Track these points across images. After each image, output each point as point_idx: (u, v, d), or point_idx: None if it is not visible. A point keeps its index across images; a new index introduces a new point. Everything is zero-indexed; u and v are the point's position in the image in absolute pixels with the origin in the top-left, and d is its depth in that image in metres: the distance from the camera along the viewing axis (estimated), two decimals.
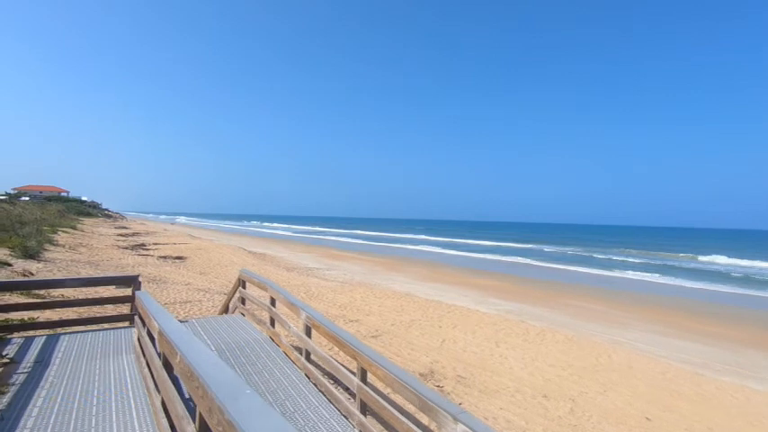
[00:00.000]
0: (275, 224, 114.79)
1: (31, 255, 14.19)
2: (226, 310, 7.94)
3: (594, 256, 42.52)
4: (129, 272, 13.95)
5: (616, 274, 28.03)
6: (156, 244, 28.34)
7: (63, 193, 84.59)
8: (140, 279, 6.42)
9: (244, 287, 7.12)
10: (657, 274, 27.91)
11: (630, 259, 39.51)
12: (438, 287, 18.63)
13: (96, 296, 8.28)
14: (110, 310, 8.15)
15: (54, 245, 19.76)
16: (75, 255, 17.85)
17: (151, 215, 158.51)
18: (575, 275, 26.58)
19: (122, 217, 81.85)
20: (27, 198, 60.83)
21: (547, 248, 52.00)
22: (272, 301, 5.90)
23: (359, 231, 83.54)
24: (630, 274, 27.44)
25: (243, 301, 7.16)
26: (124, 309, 8.14)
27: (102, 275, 6.81)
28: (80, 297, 8.05)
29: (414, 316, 11.74)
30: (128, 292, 6.76)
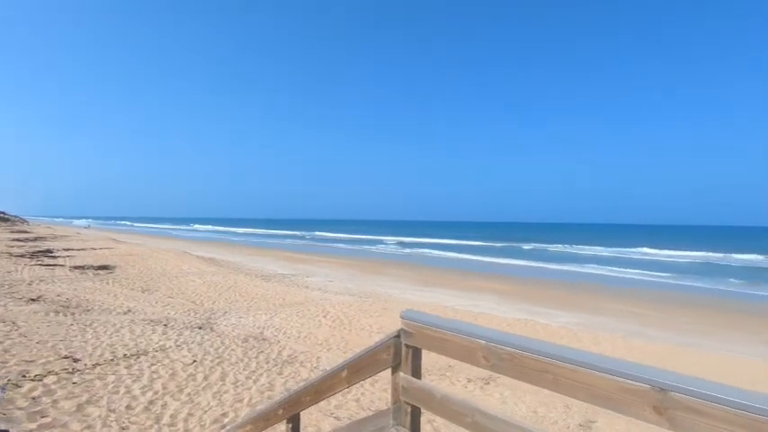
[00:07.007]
0: (177, 226, 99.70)
1: None
2: None
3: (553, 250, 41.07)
4: None
5: (590, 269, 26.15)
6: (67, 250, 20.49)
7: None
8: None
9: (416, 372, 1.80)
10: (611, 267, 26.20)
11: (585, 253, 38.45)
12: (464, 295, 14.14)
13: None
14: None
15: None
16: None
17: (61, 219, 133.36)
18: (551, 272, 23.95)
19: (23, 221, 66.38)
20: None
21: (499, 245, 50.22)
22: None
23: (276, 231, 73.60)
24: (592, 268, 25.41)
25: (409, 414, 2.00)
26: None
27: None
28: None
29: None
30: None
